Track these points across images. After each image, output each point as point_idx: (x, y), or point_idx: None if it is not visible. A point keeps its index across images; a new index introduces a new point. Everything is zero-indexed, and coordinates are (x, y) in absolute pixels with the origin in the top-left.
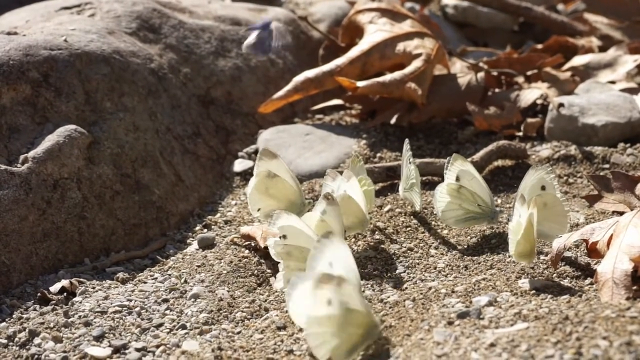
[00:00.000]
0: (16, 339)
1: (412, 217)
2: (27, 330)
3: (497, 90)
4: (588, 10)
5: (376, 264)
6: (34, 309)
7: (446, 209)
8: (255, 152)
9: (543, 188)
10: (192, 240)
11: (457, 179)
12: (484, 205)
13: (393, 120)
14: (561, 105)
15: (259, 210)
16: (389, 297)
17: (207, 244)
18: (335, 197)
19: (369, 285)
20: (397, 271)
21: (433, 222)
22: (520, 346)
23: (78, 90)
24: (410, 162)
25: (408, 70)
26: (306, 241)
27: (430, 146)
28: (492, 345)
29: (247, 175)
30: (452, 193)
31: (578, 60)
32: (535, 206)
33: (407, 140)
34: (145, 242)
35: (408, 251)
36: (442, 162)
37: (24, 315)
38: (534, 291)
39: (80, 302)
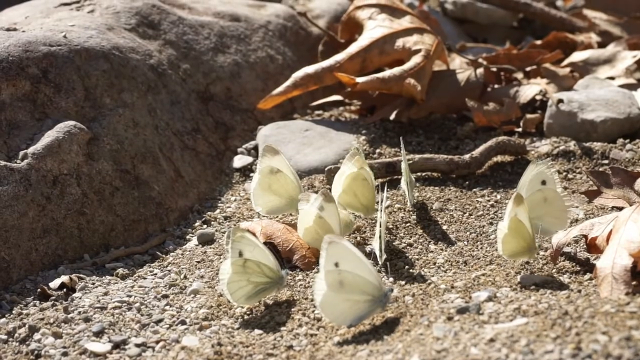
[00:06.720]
0: (16, 334)
1: (411, 212)
2: (27, 326)
3: (496, 86)
4: (587, 7)
5: (375, 260)
6: (34, 305)
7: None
8: (255, 148)
9: (543, 183)
10: (192, 236)
11: (240, 254)
12: (271, 273)
13: (392, 116)
14: (560, 101)
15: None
16: None
17: (206, 240)
18: (331, 194)
19: None
20: (396, 267)
21: (432, 218)
22: (519, 341)
23: (77, 86)
24: (403, 161)
25: (407, 66)
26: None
27: (429, 142)
28: (492, 340)
29: (246, 171)
30: (238, 270)
31: (577, 56)
32: (518, 205)
33: (401, 139)
34: (145, 238)
35: (407, 247)
36: (442, 158)
37: (24, 311)
38: (533, 286)
39: (80, 298)
